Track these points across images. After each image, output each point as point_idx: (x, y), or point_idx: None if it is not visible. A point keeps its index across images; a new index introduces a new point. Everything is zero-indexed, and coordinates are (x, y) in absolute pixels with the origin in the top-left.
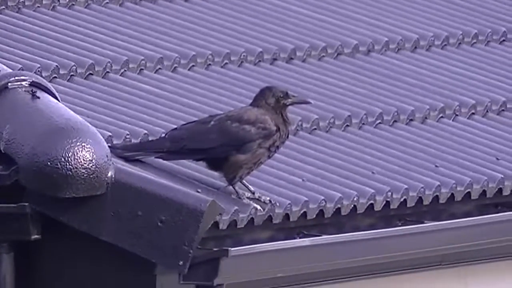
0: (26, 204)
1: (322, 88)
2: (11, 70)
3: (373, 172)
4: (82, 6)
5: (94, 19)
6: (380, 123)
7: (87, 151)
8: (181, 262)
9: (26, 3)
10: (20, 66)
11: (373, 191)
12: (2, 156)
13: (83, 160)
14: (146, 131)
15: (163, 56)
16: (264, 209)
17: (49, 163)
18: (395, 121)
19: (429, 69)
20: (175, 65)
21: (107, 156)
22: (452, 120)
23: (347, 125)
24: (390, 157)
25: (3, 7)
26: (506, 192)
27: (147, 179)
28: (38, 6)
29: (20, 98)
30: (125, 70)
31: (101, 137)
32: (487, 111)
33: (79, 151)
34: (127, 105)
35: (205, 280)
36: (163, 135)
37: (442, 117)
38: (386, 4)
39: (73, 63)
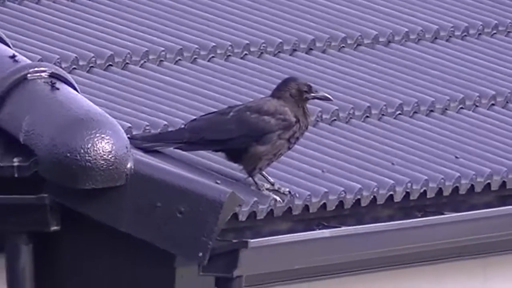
0: (46, 195)
1: (341, 79)
2: (30, 61)
3: (393, 163)
4: None
5: (113, 10)
6: (400, 114)
7: (107, 142)
8: (200, 254)
9: None
10: (39, 57)
11: (392, 182)
12: (21, 148)
13: (103, 151)
14: (166, 122)
15: (183, 47)
16: (283, 201)
17: (68, 154)
18: (415, 112)
19: (449, 60)
20: (195, 56)
21: (126, 147)
22: (472, 111)
23: (367, 116)
24: (410, 148)
25: None
26: None
27: (167, 170)
28: None
29: (39, 89)
30: (145, 61)
31: (121, 128)
32: (507, 102)
33: (98, 143)
34: (147, 96)
35: (224, 271)
36: (183, 126)
37: (462, 108)
38: None
39: (92, 54)
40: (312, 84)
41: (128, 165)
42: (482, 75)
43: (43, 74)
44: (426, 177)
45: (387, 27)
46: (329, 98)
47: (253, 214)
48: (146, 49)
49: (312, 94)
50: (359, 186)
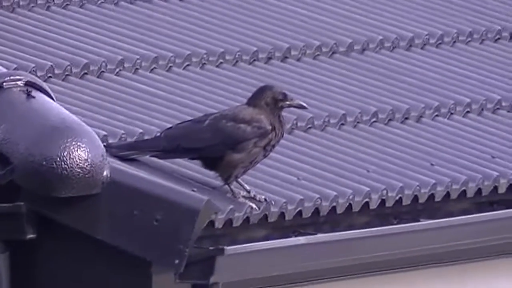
0: (22, 203)
1: (317, 86)
2: (6, 70)
3: (368, 171)
4: (77, 6)
5: (89, 18)
6: (375, 121)
7: (83, 150)
8: (176, 261)
9: (21, 3)
10: (15, 65)
11: (368, 189)
12: None
13: (79, 159)
14: (141, 130)
15: (158, 56)
16: (259, 208)
17: (44, 163)
18: (390, 119)
19: (424, 68)
20: (170, 64)
21: (102, 155)
22: (447, 119)
23: (342, 124)
24: (385, 156)
25: None
26: (501, 190)
27: (143, 178)
28: (33, 6)
29: (15, 97)
30: (120, 70)
31: (97, 137)
32: (482, 109)
33: (74, 151)
34: (122, 105)
35: (201, 279)
36: (159, 134)
37: (437, 115)
38: (380, 3)
39: (68, 63)
40: (287, 92)
41: (104, 173)
42: (457, 83)
43: (18, 82)
44: (401, 184)
45: (361, 35)
46: (304, 106)
47: (229, 221)
48: (121, 57)
49: (287, 102)
50: (335, 193)
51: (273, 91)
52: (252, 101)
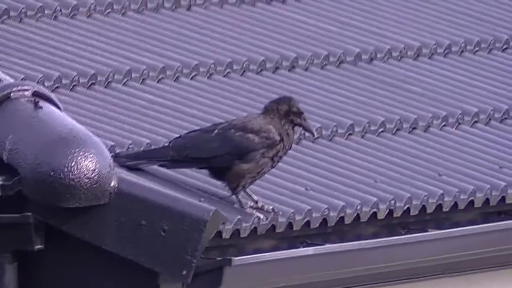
0: (29, 214)
1: (324, 96)
2: (13, 80)
3: (376, 181)
4: (84, 15)
5: (96, 28)
6: (382, 131)
7: (90, 160)
8: (184, 272)
9: (28, 13)
10: (22, 76)
11: (376, 199)
12: (5, 166)
13: (86, 170)
14: (148, 141)
15: (165, 66)
16: (267, 218)
17: (52, 173)
18: (397, 129)
19: (431, 77)
20: (178, 74)
21: (110, 165)
22: (455, 129)
23: (350, 134)
24: (393, 166)
25: (5, 17)
26: (509, 200)
27: (150, 188)
28: (40, 16)
29: (22, 108)
30: (127, 80)
31: (104, 147)
32: (489, 119)
33: (82, 161)
34: (130, 115)
35: None
36: (167, 143)
37: (444, 125)
38: (388, 13)
39: (75, 73)
40: (303, 111)
41: (112, 184)
42: (465, 93)
43: (26, 93)
44: (409, 195)
45: (369, 44)
46: (313, 133)
47: (236, 232)
48: (129, 67)
49: (299, 120)
50: (343, 203)
51: (290, 103)
52: (269, 106)
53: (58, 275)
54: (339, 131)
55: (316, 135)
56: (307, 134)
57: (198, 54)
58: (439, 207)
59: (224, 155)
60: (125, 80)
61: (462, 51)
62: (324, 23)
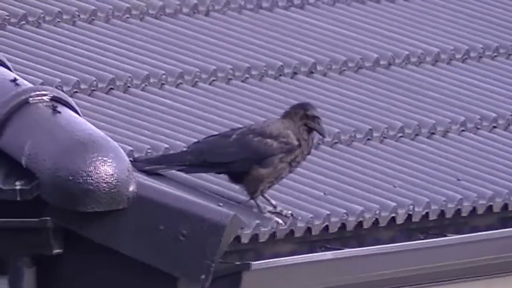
0: (48, 218)
1: (343, 102)
2: (32, 85)
3: (395, 186)
4: (103, 21)
5: (114, 33)
6: (401, 136)
7: (109, 165)
8: (203, 276)
9: (47, 18)
10: (41, 81)
11: (395, 204)
12: (23, 171)
13: (105, 174)
14: (167, 146)
15: (184, 71)
16: (285, 223)
17: (70, 178)
18: (416, 134)
19: (450, 83)
20: (196, 79)
21: (128, 170)
22: (474, 134)
23: (369, 139)
24: (412, 171)
25: (24, 22)
26: None
27: (169, 193)
28: (59, 21)
29: (41, 113)
30: (146, 85)
31: (123, 152)
32: (508, 124)
33: (100, 166)
34: (148, 120)
35: None
36: (185, 148)
37: (463, 130)
38: (406, 18)
39: (94, 78)
40: (319, 116)
41: (130, 188)
42: (483, 98)
43: (44, 97)
44: (428, 200)
45: (388, 50)
46: (324, 135)
47: (255, 236)
48: (147, 72)
49: (312, 124)
50: (361, 208)
51: (305, 107)
52: (286, 112)
53: (76, 279)
54: (358, 136)
55: (327, 137)
56: (321, 137)
57: (217, 59)
58: (458, 212)
59: (242, 160)
60: (143, 85)
61: (480, 57)
62: (343, 29)
